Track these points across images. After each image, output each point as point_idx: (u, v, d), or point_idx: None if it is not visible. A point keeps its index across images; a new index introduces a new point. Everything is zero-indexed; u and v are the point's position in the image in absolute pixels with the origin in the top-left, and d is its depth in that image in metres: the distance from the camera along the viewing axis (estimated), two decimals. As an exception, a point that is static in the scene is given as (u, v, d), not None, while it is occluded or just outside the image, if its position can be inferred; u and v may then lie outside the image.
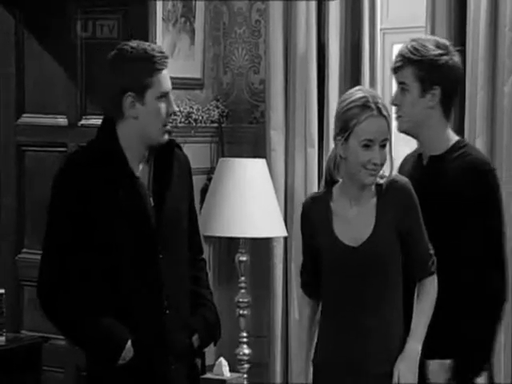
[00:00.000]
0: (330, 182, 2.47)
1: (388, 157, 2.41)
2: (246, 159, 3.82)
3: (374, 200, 2.42)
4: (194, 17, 4.06)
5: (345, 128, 2.38)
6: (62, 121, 4.16)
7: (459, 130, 3.59)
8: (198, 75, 4.06)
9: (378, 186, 2.42)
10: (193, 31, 4.06)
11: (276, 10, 3.92)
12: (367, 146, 2.36)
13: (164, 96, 2.35)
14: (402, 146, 2.75)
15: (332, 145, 3.80)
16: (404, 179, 2.44)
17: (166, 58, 2.37)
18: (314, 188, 3.89)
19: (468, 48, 3.53)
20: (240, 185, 3.71)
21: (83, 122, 4.10)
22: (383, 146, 2.38)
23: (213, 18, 4.16)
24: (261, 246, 3.94)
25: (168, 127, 2.38)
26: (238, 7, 4.15)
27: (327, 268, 2.44)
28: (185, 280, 2.44)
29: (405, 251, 2.42)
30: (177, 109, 2.43)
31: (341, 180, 2.45)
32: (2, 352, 3.75)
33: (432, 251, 2.44)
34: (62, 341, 3.81)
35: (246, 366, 3.77)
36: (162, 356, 2.36)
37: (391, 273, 2.40)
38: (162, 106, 2.35)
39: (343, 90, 3.82)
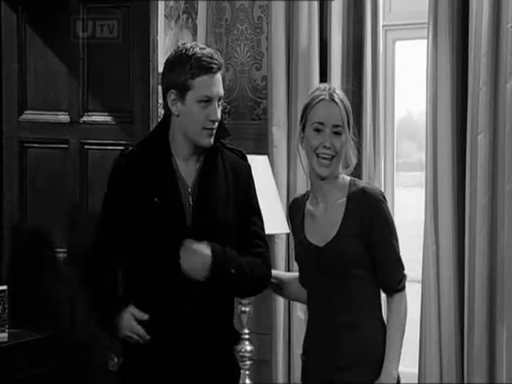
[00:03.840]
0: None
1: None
2: (248, 156, 3.81)
3: (344, 201, 2.43)
4: (196, 13, 4.07)
5: (301, 118, 2.46)
6: (64, 117, 4.17)
7: (462, 127, 3.60)
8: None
9: (351, 186, 2.43)
10: (195, 28, 4.06)
11: (278, 7, 3.93)
12: (318, 130, 2.40)
13: (206, 101, 2.39)
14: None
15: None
16: (377, 190, 2.46)
17: (216, 64, 2.41)
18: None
19: (471, 44, 3.55)
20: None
21: (85, 118, 4.11)
22: (337, 134, 2.38)
23: (215, 15, 4.16)
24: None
25: (210, 132, 2.42)
26: (240, 4, 4.16)
27: (299, 266, 2.53)
28: None
29: (373, 264, 2.42)
30: (218, 117, 2.44)
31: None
32: (4, 348, 3.74)
33: (402, 267, 2.44)
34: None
35: (248, 362, 3.77)
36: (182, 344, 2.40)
37: (356, 276, 2.39)
38: (202, 109, 2.39)
39: (345, 86, 3.83)
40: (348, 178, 2.49)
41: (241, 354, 3.76)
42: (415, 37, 3.89)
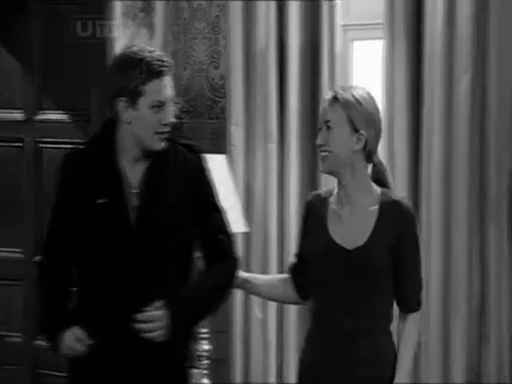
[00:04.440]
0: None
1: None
2: (206, 155, 3.79)
3: (376, 209, 2.42)
4: (154, 12, 4.04)
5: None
6: (19, 116, 4.11)
7: (417, 128, 3.65)
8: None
9: (383, 196, 2.43)
10: (152, 26, 4.03)
11: (235, 6, 3.94)
12: (319, 128, 2.46)
13: (159, 105, 2.35)
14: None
15: (292, 141, 3.88)
16: (410, 205, 2.48)
17: (166, 66, 2.36)
18: (274, 184, 3.91)
19: (426, 45, 3.57)
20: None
21: (40, 116, 4.06)
22: (328, 128, 2.43)
23: (173, 13, 4.14)
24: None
25: (163, 135, 2.38)
26: (197, 3, 4.14)
27: (315, 264, 2.44)
28: (171, 282, 2.40)
29: (396, 277, 2.41)
30: (171, 120, 2.40)
31: None
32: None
33: (422, 288, 2.45)
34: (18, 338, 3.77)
35: (206, 362, 3.76)
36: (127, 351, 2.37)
37: (380, 284, 2.39)
38: (155, 114, 2.35)
39: (303, 86, 3.85)
40: (379, 187, 2.47)
41: (198, 353, 3.75)
42: (373, 37, 3.92)
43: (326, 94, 2.54)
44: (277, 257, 3.92)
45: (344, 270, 2.37)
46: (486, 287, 3.52)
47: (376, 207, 2.41)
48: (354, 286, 2.36)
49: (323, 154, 2.42)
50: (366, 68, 3.99)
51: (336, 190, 2.48)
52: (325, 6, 3.81)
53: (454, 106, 3.56)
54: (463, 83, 3.54)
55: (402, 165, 3.66)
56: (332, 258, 2.39)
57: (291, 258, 3.75)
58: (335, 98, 2.42)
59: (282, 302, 2.66)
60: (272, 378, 3.89)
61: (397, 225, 2.39)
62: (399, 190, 3.63)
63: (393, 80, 3.67)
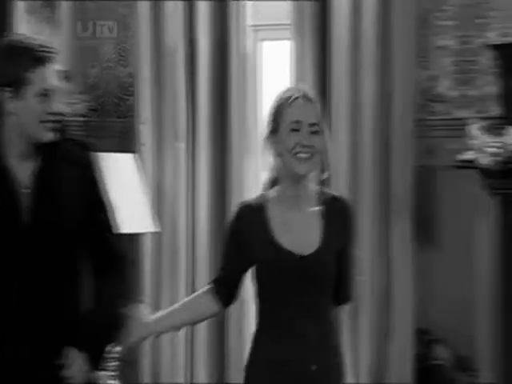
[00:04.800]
0: (268, 188, 2.38)
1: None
2: (115, 154, 3.78)
3: (319, 209, 2.33)
4: (59, 8, 3.98)
5: (273, 120, 2.32)
6: None
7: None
8: (63, 68, 3.97)
9: (322, 194, 2.34)
10: (57, 23, 3.97)
11: (144, 5, 3.91)
12: (295, 129, 2.27)
13: (45, 94, 2.29)
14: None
15: (201, 140, 3.88)
16: (348, 200, 2.40)
17: (51, 52, 2.30)
18: (183, 183, 3.90)
19: (332, 45, 3.65)
20: (108, 180, 3.65)
21: None
22: (314, 133, 2.28)
23: (79, 10, 4.09)
24: (130, 242, 3.90)
25: (51, 125, 2.30)
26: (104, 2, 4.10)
27: (270, 277, 2.31)
28: (65, 284, 2.34)
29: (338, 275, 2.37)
30: (58, 108, 2.32)
31: (276, 187, 2.35)
32: None
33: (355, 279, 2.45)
34: None
35: (114, 363, 3.72)
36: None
37: (330, 286, 2.34)
38: (41, 103, 2.28)
39: (213, 85, 3.86)
40: (314, 185, 2.37)
41: (106, 355, 3.71)
42: (282, 37, 3.95)
43: (288, 93, 2.30)
44: (186, 256, 3.91)
45: (298, 277, 2.29)
46: (388, 285, 3.59)
47: (318, 207, 2.33)
48: (308, 291, 2.30)
49: (307, 155, 2.27)
50: (275, 68, 4.02)
51: (275, 195, 2.34)
52: (233, 6, 3.83)
53: (359, 104, 3.63)
54: (368, 82, 3.60)
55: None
56: (284, 265, 2.29)
57: (203, 260, 3.82)
58: (308, 98, 2.30)
59: (204, 318, 2.47)
60: (181, 378, 3.88)
61: (343, 223, 2.34)
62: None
63: (301, 79, 3.70)
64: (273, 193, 2.34)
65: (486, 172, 3.26)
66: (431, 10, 3.69)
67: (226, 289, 2.40)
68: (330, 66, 3.66)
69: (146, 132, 3.94)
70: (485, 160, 3.23)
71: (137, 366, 3.91)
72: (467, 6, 3.62)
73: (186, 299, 2.49)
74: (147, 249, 3.95)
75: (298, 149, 2.26)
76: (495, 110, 3.44)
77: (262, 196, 2.35)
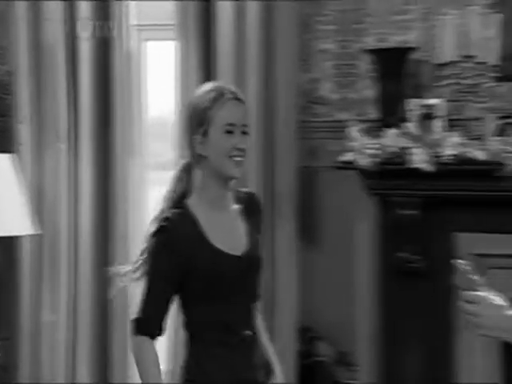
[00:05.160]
0: (180, 199, 2.28)
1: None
2: (-8, 154, 3.66)
3: (238, 207, 2.32)
4: None
5: (201, 122, 2.23)
6: None
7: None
8: None
9: (235, 192, 2.32)
10: None
11: (21, 2, 3.80)
12: (229, 132, 2.22)
13: None
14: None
15: (83, 140, 3.81)
16: (257, 195, 2.41)
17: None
18: (65, 184, 3.82)
19: (217, 47, 3.65)
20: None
21: None
22: (244, 133, 2.25)
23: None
24: (8, 245, 3.80)
25: None
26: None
27: (211, 283, 2.23)
28: None
29: None
30: None
31: (193, 194, 2.28)
32: None
33: None
34: None
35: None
36: None
37: (259, 284, 2.33)
38: None
39: (96, 85, 3.81)
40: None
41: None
42: (167, 37, 3.94)
43: (214, 93, 2.23)
44: (68, 258, 3.84)
45: (239, 277, 2.25)
46: (275, 283, 3.64)
47: (237, 205, 2.31)
48: (246, 292, 2.27)
49: (242, 158, 2.24)
50: (160, 68, 4.00)
51: (196, 201, 2.26)
52: (116, 6, 3.78)
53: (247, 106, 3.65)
54: (252, 84, 3.64)
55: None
56: (225, 268, 2.23)
57: (85, 262, 3.75)
58: (239, 99, 2.26)
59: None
60: (61, 378, 3.80)
61: (257, 219, 2.35)
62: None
63: (186, 80, 3.71)
64: (194, 199, 2.26)
65: (364, 173, 3.35)
66: (312, 14, 3.76)
67: (159, 325, 2.23)
68: (215, 67, 3.68)
69: (24, 132, 3.84)
70: (364, 161, 3.31)
71: (16, 370, 3.81)
72: (346, 11, 3.72)
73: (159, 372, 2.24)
74: (26, 252, 3.85)
75: (234, 152, 2.21)
76: (373, 113, 3.54)
77: (182, 206, 2.25)
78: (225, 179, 2.25)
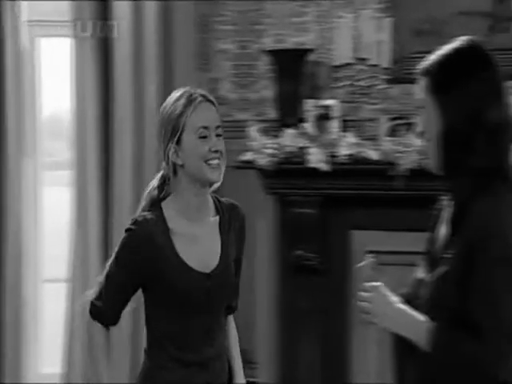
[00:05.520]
0: (157, 203, 2.19)
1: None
2: None
3: (217, 219, 2.22)
4: None
5: (174, 130, 2.15)
6: None
7: (108, 126, 3.69)
8: None
9: (216, 201, 2.23)
10: None
11: None
12: (204, 136, 2.15)
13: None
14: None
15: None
16: (241, 207, 2.29)
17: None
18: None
19: (115, 48, 3.61)
20: None
21: None
22: (219, 135, 2.18)
23: None
24: None
25: None
26: None
27: (173, 296, 2.15)
28: None
29: None
30: None
31: (170, 197, 2.19)
32: None
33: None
34: None
35: None
36: None
37: (229, 300, 2.26)
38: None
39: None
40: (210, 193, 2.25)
41: None
42: (62, 34, 3.88)
43: (184, 98, 2.15)
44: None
45: (205, 295, 2.17)
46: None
47: (216, 217, 2.22)
48: (215, 311, 2.20)
49: (218, 161, 2.16)
50: (54, 65, 3.94)
51: (172, 207, 2.17)
52: (8, 2, 3.70)
53: (143, 106, 3.64)
54: (151, 84, 3.63)
55: (93, 165, 3.66)
56: (191, 285, 2.15)
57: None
58: (209, 100, 2.18)
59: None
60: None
61: (239, 232, 2.25)
62: (91, 188, 3.64)
63: (82, 79, 3.67)
64: (170, 203, 2.18)
65: (263, 172, 3.40)
66: (211, 14, 3.78)
67: (112, 317, 2.20)
68: (113, 67, 3.65)
69: None
70: (262, 161, 3.36)
71: None
72: (244, 12, 3.76)
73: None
74: None
75: (210, 156, 2.15)
76: (272, 113, 3.59)
77: (157, 209, 2.17)
78: (203, 186, 2.18)
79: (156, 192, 2.19)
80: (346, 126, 3.42)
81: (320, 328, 3.47)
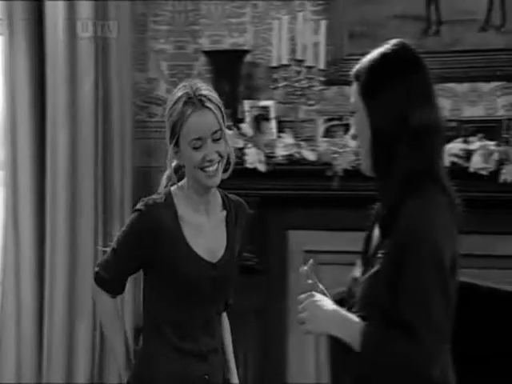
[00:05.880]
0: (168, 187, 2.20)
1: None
2: None
3: (224, 213, 2.22)
4: None
5: (172, 133, 2.14)
6: None
7: (41, 126, 3.64)
8: None
9: (224, 197, 2.23)
10: None
11: None
12: (197, 147, 2.12)
13: None
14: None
15: None
16: (247, 205, 2.28)
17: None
18: None
19: (47, 46, 3.56)
20: None
21: None
22: (216, 140, 2.13)
23: None
24: None
25: None
26: None
27: (177, 281, 2.15)
28: None
29: None
30: None
31: (180, 183, 2.19)
32: None
33: None
34: None
35: None
36: None
37: (230, 293, 2.26)
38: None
39: None
40: (218, 189, 2.23)
41: None
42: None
43: (181, 102, 2.11)
44: None
45: (212, 285, 2.16)
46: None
47: (224, 211, 2.22)
48: (215, 301, 2.20)
49: (214, 167, 2.12)
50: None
51: (182, 194, 2.18)
52: None
53: (78, 105, 3.61)
54: (87, 83, 3.61)
55: (27, 163, 3.63)
56: (197, 273, 2.14)
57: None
58: (204, 104, 2.12)
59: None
60: None
61: (243, 228, 2.25)
62: (23, 188, 3.60)
63: (14, 76, 3.62)
64: (179, 192, 2.18)
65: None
66: (148, 14, 3.77)
67: (117, 287, 2.22)
68: (46, 66, 3.61)
69: None
70: (200, 161, 3.36)
71: None
72: (180, 12, 3.76)
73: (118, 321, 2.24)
74: None
75: (204, 164, 2.12)
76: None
77: (168, 194, 2.18)
78: (202, 187, 2.17)
79: (173, 176, 2.19)
80: (283, 126, 3.45)
81: (259, 328, 3.49)
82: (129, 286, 2.26)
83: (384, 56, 1.73)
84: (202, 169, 2.12)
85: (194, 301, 2.16)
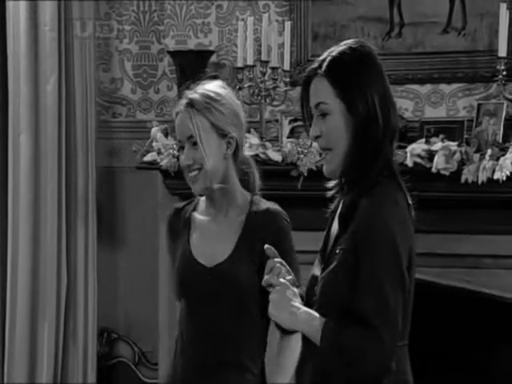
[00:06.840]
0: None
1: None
2: None
3: (243, 219, 2.14)
4: None
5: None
6: None
7: (3, 127, 3.62)
8: None
9: (253, 205, 2.15)
10: None
11: None
12: (180, 148, 2.12)
13: None
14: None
15: None
16: (281, 210, 2.18)
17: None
18: None
19: (9, 45, 3.56)
20: None
21: None
22: (194, 144, 2.08)
23: None
24: None
25: None
26: None
27: (179, 288, 2.15)
28: None
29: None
30: None
31: None
32: None
33: None
34: None
35: None
36: None
37: (248, 303, 2.11)
38: None
39: None
40: (249, 194, 2.18)
41: None
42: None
43: (179, 102, 2.12)
44: None
45: (206, 291, 2.10)
46: (72, 286, 3.61)
47: (243, 217, 2.13)
48: (218, 309, 2.10)
49: (193, 173, 2.09)
50: None
51: (202, 202, 2.18)
52: None
53: (40, 107, 3.60)
54: (50, 83, 3.58)
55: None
56: (192, 278, 2.12)
57: None
58: (190, 105, 2.08)
59: None
60: None
61: (264, 236, 2.08)
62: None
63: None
64: (202, 200, 2.19)
65: (165, 173, 3.41)
66: (112, 14, 3.77)
67: None
68: (9, 65, 3.59)
69: None
70: (165, 161, 3.37)
71: None
72: (145, 12, 3.76)
73: None
74: None
75: (185, 169, 2.11)
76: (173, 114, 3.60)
77: (196, 200, 2.19)
78: (207, 193, 2.15)
79: None
80: (248, 127, 3.47)
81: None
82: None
83: (352, 49, 1.71)
84: (186, 175, 2.12)
85: (195, 304, 2.12)
